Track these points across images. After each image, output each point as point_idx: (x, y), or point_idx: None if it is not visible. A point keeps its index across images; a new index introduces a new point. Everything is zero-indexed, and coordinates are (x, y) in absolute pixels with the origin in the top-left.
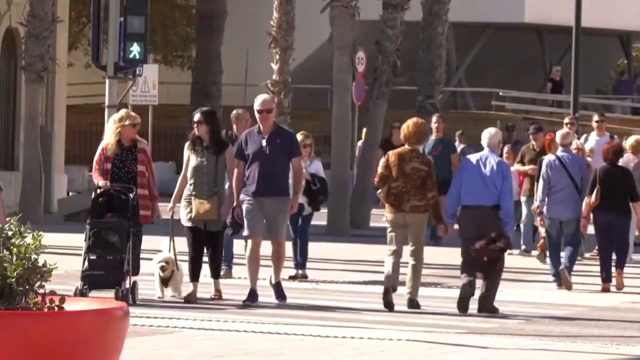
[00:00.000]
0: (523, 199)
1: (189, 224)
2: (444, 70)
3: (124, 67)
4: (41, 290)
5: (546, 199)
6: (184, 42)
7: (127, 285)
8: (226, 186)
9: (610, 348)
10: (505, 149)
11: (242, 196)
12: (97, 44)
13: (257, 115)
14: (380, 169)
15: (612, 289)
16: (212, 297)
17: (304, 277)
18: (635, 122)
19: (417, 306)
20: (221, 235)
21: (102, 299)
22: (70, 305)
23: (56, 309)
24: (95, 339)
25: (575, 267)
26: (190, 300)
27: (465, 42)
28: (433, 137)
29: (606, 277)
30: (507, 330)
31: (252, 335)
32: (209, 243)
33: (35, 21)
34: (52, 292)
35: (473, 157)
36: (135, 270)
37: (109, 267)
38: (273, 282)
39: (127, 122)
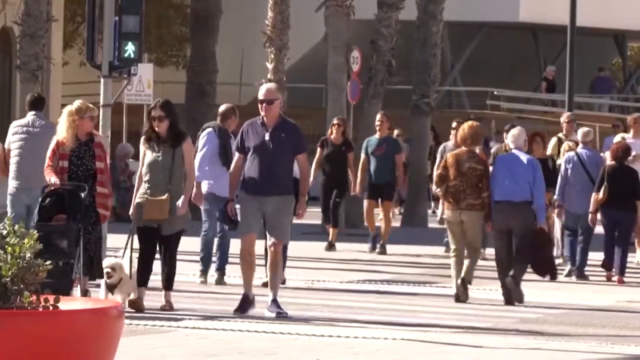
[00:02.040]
0: None
1: (139, 224)
2: (438, 69)
3: (118, 66)
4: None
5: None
6: (179, 42)
7: (77, 294)
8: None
9: (605, 347)
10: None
11: (240, 193)
12: (92, 43)
13: (259, 105)
14: (438, 169)
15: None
16: (162, 307)
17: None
18: None
19: (469, 282)
20: (177, 240)
21: (97, 299)
22: (65, 305)
23: (51, 308)
24: (91, 338)
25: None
26: (136, 307)
27: (460, 41)
28: (376, 136)
29: (609, 267)
30: (502, 330)
31: (246, 335)
32: (163, 248)
33: (30, 20)
34: (47, 291)
35: (504, 156)
36: (96, 273)
37: (56, 274)
38: (270, 298)
39: (86, 115)
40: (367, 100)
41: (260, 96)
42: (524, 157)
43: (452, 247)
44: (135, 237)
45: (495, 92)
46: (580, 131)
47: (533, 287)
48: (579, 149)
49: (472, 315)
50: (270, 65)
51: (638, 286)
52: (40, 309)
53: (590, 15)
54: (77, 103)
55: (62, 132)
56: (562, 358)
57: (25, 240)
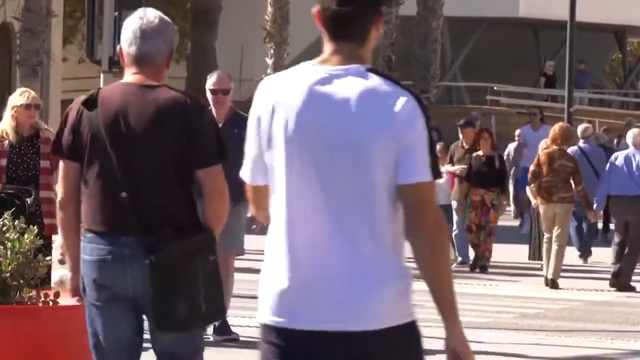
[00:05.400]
0: (454, 204)
1: None
2: (438, 64)
3: (118, 61)
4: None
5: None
6: (179, 36)
7: None
8: None
9: (605, 342)
10: (438, 147)
11: None
12: (92, 39)
13: (210, 96)
14: (532, 167)
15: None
16: None
17: None
18: (632, 116)
19: (557, 286)
20: None
21: None
22: (65, 300)
23: (51, 303)
24: None
25: (570, 262)
26: None
27: (460, 36)
28: None
29: None
30: (501, 325)
31: (246, 330)
32: None
33: (29, 16)
34: (47, 287)
35: (622, 154)
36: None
37: None
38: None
39: (19, 103)
40: None
41: (211, 85)
42: (639, 155)
43: (546, 236)
44: None
45: (495, 88)
46: (580, 127)
47: (532, 282)
48: (581, 144)
49: (472, 311)
50: (270, 61)
51: (638, 281)
52: (40, 304)
53: (590, 10)
54: (17, 91)
55: (3, 125)
56: (562, 353)
57: (25, 236)
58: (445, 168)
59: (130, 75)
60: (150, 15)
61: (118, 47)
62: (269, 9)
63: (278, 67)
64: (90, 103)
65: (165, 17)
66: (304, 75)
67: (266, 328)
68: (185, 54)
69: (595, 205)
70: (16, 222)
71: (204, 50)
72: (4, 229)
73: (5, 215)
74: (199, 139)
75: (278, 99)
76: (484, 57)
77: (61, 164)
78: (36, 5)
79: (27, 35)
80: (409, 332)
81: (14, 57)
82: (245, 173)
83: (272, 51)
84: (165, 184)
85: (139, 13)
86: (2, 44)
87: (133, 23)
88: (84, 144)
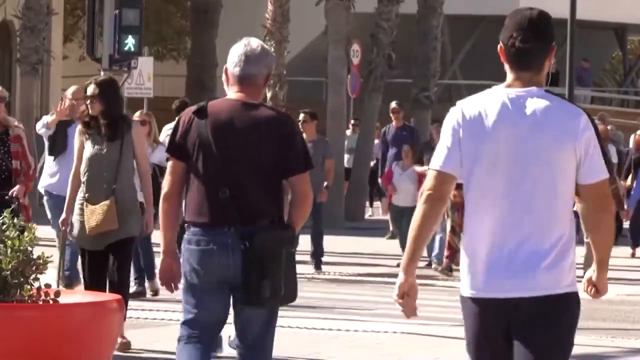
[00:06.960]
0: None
1: (83, 245)
2: (438, 63)
3: (118, 59)
4: (36, 283)
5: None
6: (179, 35)
7: None
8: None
9: (605, 340)
10: (405, 147)
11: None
12: (92, 37)
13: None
14: None
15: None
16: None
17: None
18: (632, 114)
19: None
20: (126, 247)
21: (97, 292)
22: (65, 298)
23: (51, 301)
24: (90, 331)
25: None
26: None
27: (460, 35)
28: None
29: (634, 244)
30: None
31: None
32: (113, 256)
33: (30, 13)
34: (47, 285)
35: None
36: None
37: None
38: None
39: None
40: (367, 94)
41: None
42: None
43: (585, 240)
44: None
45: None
46: None
47: None
48: None
49: None
50: None
51: (638, 280)
52: (41, 303)
53: (590, 8)
54: None
55: None
56: None
57: (25, 234)
58: (417, 168)
59: (234, 93)
60: (253, 43)
61: (224, 67)
62: (269, 7)
63: (278, 65)
64: (201, 113)
65: (266, 46)
66: (496, 96)
67: (467, 299)
68: (185, 52)
69: (627, 205)
70: (16, 220)
71: (204, 49)
72: (4, 227)
73: (5, 214)
74: (291, 150)
75: (476, 114)
76: (484, 55)
77: (170, 162)
78: (36, 3)
79: (27, 33)
80: (573, 299)
81: (14, 55)
82: (438, 160)
83: (272, 49)
84: (260, 184)
85: (244, 41)
86: (2, 42)
87: (239, 49)
88: (193, 147)
